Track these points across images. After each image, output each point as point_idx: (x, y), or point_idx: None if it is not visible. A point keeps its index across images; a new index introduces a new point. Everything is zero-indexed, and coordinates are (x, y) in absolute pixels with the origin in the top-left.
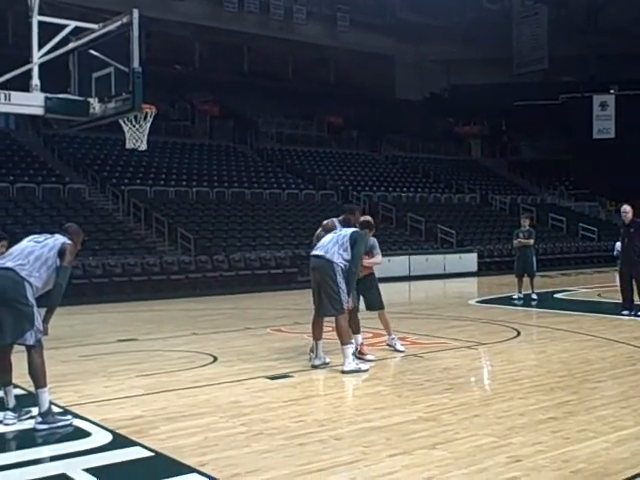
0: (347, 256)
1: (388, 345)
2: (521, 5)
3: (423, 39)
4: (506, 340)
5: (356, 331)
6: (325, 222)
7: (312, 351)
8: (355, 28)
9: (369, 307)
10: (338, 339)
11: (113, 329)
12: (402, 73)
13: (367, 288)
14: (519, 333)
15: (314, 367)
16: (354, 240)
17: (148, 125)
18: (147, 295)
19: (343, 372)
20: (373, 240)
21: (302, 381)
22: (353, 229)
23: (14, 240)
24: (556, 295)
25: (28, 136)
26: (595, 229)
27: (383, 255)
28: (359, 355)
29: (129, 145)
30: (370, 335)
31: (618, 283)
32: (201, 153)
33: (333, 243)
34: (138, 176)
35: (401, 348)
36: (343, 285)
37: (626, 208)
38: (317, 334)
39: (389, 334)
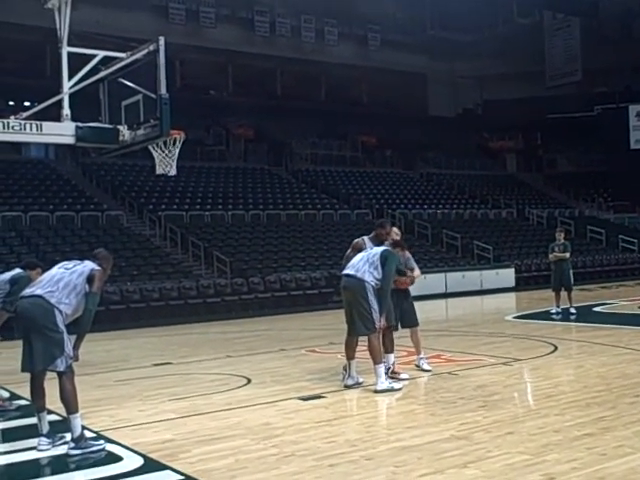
0: (378, 275)
1: (415, 365)
2: (553, 18)
3: (455, 55)
4: (543, 355)
5: (390, 350)
6: (355, 241)
7: (345, 370)
8: (386, 47)
9: (403, 324)
10: (370, 358)
11: (149, 353)
12: (434, 90)
13: (400, 304)
14: (556, 348)
15: (346, 387)
16: (385, 258)
17: (177, 151)
18: (184, 319)
19: (376, 392)
20: (408, 255)
21: (334, 402)
22: (383, 247)
23: None
24: (595, 308)
25: (67, 165)
26: (635, 240)
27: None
28: (392, 375)
29: (159, 171)
30: (405, 354)
31: None
32: (236, 177)
33: (364, 262)
34: (174, 201)
35: (428, 367)
36: (375, 304)
37: None
38: (350, 354)
39: (417, 353)
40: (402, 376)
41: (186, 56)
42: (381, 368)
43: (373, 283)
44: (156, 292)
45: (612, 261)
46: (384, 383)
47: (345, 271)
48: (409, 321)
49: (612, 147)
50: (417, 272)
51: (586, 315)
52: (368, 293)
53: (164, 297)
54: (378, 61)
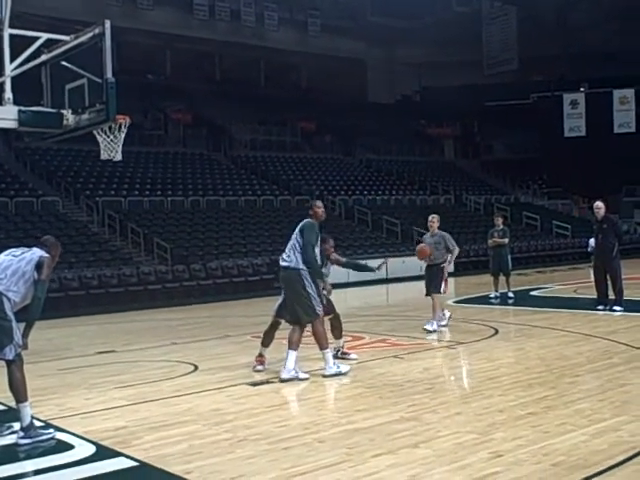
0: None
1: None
2: (490, 7)
3: (394, 42)
4: (484, 339)
5: (339, 337)
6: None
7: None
8: (326, 33)
9: (427, 291)
10: (317, 344)
11: (91, 341)
12: (374, 76)
13: (432, 276)
14: (497, 331)
15: (282, 381)
16: (301, 231)
17: (122, 136)
18: (124, 306)
19: (324, 376)
20: (448, 235)
21: (284, 386)
22: (303, 222)
23: None
24: (532, 293)
25: None
26: (569, 226)
27: (360, 257)
28: (342, 355)
29: (104, 156)
30: (349, 338)
31: (593, 278)
32: (175, 162)
33: (291, 247)
34: (112, 187)
35: (442, 323)
36: (312, 290)
37: (599, 204)
38: (267, 341)
39: (433, 317)
40: (351, 356)
41: (123, 38)
42: (328, 353)
43: (303, 267)
44: (95, 279)
45: (547, 246)
46: (332, 368)
47: (280, 262)
48: (432, 289)
49: (547, 135)
50: (456, 251)
51: (523, 299)
52: (304, 281)
53: (104, 284)
54: (318, 47)
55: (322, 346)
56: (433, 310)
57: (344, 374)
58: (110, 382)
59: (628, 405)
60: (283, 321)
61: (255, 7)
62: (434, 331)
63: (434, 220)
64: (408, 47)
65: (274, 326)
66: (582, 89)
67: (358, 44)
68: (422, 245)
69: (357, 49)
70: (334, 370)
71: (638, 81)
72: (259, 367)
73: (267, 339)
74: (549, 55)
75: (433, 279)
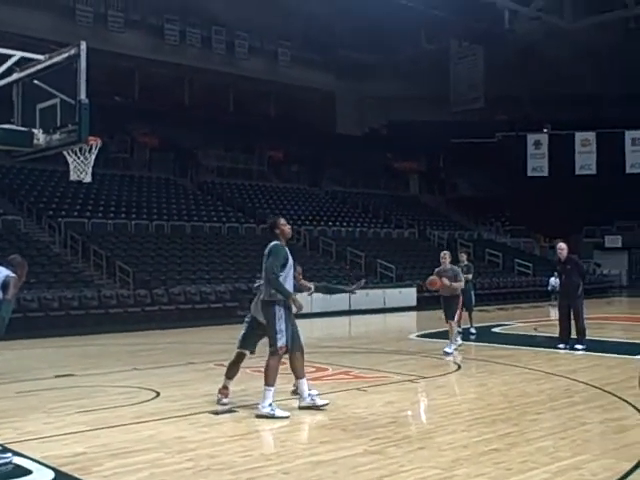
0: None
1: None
2: (459, 45)
3: (363, 76)
4: (447, 374)
5: (300, 375)
6: None
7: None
8: (296, 64)
9: (446, 319)
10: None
11: (50, 364)
12: (342, 109)
13: (449, 306)
14: (459, 367)
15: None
16: (267, 256)
17: (93, 157)
18: (85, 330)
19: (257, 416)
20: (457, 269)
21: (247, 416)
22: (269, 245)
23: None
24: (494, 329)
25: None
26: (530, 264)
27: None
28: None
29: (73, 177)
30: (313, 369)
31: (558, 317)
32: (140, 186)
33: (262, 277)
34: (76, 208)
35: (453, 347)
36: (280, 325)
37: (561, 245)
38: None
39: (450, 341)
40: (319, 403)
41: (92, 60)
42: (269, 391)
43: (274, 298)
44: (55, 301)
45: (508, 284)
46: (266, 408)
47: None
48: (448, 316)
49: (511, 174)
50: (461, 283)
51: (485, 335)
52: (273, 313)
53: (64, 307)
54: (288, 77)
55: (267, 382)
56: (450, 334)
57: (279, 418)
58: (70, 406)
59: (588, 444)
60: (248, 353)
61: (226, 35)
62: (451, 353)
63: (445, 256)
64: (377, 81)
65: (239, 358)
66: (545, 130)
67: (328, 76)
68: (434, 277)
69: (327, 81)
70: (267, 411)
71: (600, 124)
72: (224, 400)
73: (231, 371)
74: (514, 95)
75: (449, 308)
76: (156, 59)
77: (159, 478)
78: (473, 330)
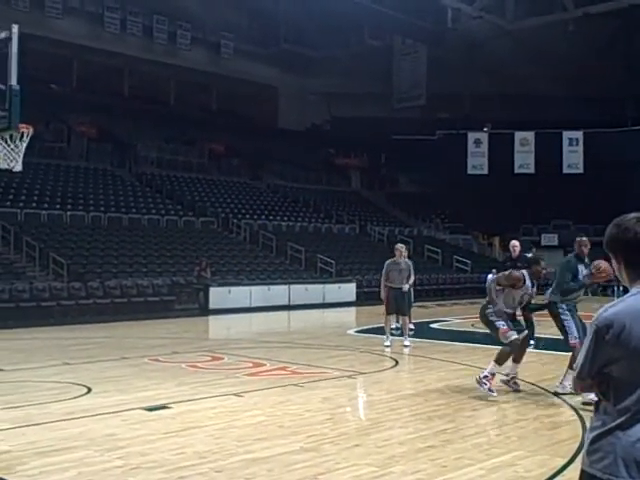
0: None
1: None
2: (402, 43)
3: (306, 71)
4: (385, 369)
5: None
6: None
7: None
8: (239, 56)
9: (402, 312)
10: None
11: None
12: (285, 103)
13: (403, 300)
14: (397, 362)
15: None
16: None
17: (24, 145)
18: (15, 323)
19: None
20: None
21: (181, 412)
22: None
23: None
24: (432, 325)
25: None
26: (468, 261)
27: (262, 284)
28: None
29: (2, 165)
30: (250, 364)
31: None
32: (77, 176)
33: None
34: (8, 198)
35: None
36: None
37: (515, 243)
38: None
39: (405, 334)
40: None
41: (28, 45)
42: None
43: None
44: None
45: (447, 280)
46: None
47: None
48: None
49: (451, 171)
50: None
51: (423, 331)
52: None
53: None
54: (230, 70)
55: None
56: (404, 328)
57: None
58: None
59: (523, 440)
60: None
61: (168, 25)
62: (409, 346)
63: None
64: (320, 76)
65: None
66: (485, 129)
67: (271, 70)
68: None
69: (269, 75)
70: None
71: (538, 124)
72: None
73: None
74: (455, 94)
75: (403, 303)
76: (95, 47)
77: (87, 477)
78: (411, 326)
